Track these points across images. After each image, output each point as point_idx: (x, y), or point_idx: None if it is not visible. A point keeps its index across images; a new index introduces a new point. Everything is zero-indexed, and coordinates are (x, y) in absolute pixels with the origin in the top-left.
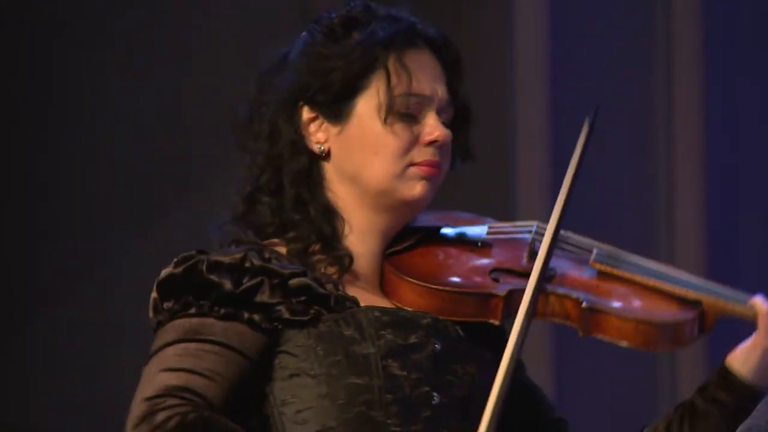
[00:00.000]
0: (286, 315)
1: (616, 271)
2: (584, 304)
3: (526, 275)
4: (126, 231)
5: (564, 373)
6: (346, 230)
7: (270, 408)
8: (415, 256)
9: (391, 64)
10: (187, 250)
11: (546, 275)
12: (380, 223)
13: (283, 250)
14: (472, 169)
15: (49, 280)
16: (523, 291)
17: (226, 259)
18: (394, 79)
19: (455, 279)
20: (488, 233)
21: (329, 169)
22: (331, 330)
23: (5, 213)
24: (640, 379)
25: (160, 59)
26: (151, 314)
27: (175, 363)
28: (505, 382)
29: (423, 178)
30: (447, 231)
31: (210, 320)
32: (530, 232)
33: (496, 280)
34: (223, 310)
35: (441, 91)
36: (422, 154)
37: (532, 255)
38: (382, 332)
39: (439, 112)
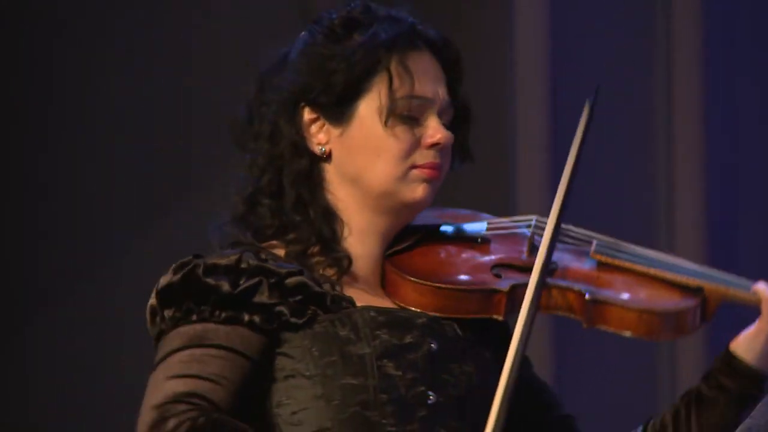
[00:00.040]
0: (286, 315)
1: (616, 262)
2: (587, 296)
3: (528, 269)
4: (126, 231)
5: (563, 368)
6: (345, 232)
7: (267, 410)
8: (415, 255)
9: (394, 66)
10: (187, 250)
11: (548, 269)
12: (380, 224)
13: (281, 251)
14: (472, 169)
15: (49, 280)
16: (525, 285)
17: (222, 261)
18: (396, 82)
19: (457, 276)
20: (487, 229)
21: (330, 170)
22: (327, 330)
23: (5, 213)
24: (640, 377)
25: (160, 59)
26: (150, 323)
27: (181, 370)
28: (511, 378)
29: (424, 180)
30: (446, 229)
31: (213, 325)
32: (529, 226)
33: (498, 275)
34: (223, 314)
35: (442, 92)
36: (424, 157)
37: (533, 249)
38: (378, 332)
39: (440, 114)
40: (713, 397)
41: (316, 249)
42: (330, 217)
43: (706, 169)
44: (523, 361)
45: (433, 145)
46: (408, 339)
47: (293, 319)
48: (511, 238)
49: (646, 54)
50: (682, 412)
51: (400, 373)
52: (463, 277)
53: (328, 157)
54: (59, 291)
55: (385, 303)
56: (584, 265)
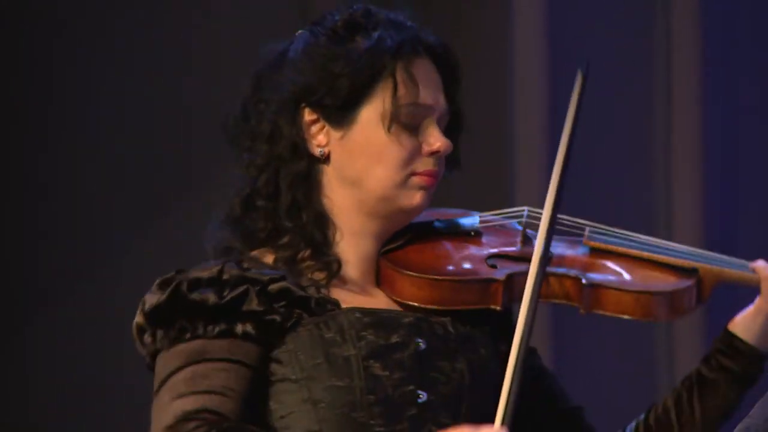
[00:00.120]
0: (277, 321)
1: (610, 247)
2: (583, 281)
3: (523, 259)
4: (126, 231)
5: (562, 360)
6: (338, 236)
7: (264, 416)
8: (410, 251)
9: (399, 73)
10: (188, 250)
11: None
12: (374, 227)
13: (270, 258)
14: (472, 169)
15: (49, 280)
16: (521, 274)
17: (204, 275)
18: (401, 89)
19: (453, 268)
20: (480, 223)
21: (327, 172)
22: (312, 334)
23: (5, 213)
24: (639, 370)
25: (160, 59)
26: (138, 341)
27: (187, 388)
28: (516, 368)
29: (422, 187)
30: (439, 225)
31: (209, 340)
32: (521, 217)
33: (493, 266)
34: (217, 328)
35: (441, 100)
36: (424, 164)
37: (526, 239)
38: (363, 333)
39: (438, 121)
40: (714, 379)
41: (306, 254)
42: (322, 221)
43: (705, 169)
44: (530, 351)
45: (432, 153)
46: (394, 339)
47: (282, 323)
48: (504, 229)
49: (646, 54)
50: (683, 395)
51: (387, 373)
52: (459, 268)
53: (326, 159)
54: (59, 291)
55: (377, 303)
56: (579, 252)
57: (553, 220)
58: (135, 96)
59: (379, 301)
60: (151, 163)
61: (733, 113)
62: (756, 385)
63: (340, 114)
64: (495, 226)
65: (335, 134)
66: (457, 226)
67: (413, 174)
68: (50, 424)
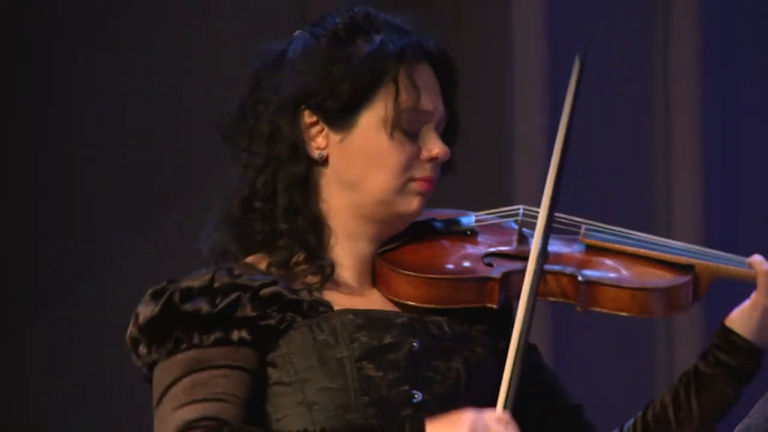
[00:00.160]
0: (272, 325)
1: (606, 244)
2: (580, 278)
3: (519, 257)
4: (126, 231)
5: (561, 358)
6: (333, 240)
7: (262, 419)
8: (407, 251)
9: (401, 79)
10: (188, 250)
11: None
12: (370, 231)
13: (263, 264)
14: (472, 169)
15: (49, 280)
16: (517, 272)
17: (195, 284)
18: (402, 95)
19: (450, 267)
20: (476, 222)
21: (324, 175)
22: (305, 336)
23: (5, 213)
24: (638, 368)
25: (160, 59)
26: (133, 353)
27: (187, 397)
28: (518, 353)
29: (420, 193)
30: (435, 225)
31: (206, 349)
32: (517, 215)
33: (489, 264)
34: (213, 337)
35: (440, 106)
36: (422, 170)
37: (522, 237)
38: (356, 335)
39: (436, 127)
40: (712, 375)
41: (301, 257)
42: (318, 225)
43: (705, 169)
44: (531, 348)
45: (431, 159)
46: (388, 339)
47: (277, 328)
48: (500, 228)
49: (646, 54)
50: (681, 391)
51: (381, 373)
52: (455, 267)
53: (324, 162)
54: (59, 291)
55: (371, 304)
56: (575, 250)
57: (550, 216)
58: (135, 96)
59: (373, 301)
60: (151, 163)
61: (733, 113)
62: (753, 382)
63: (341, 117)
64: (491, 225)
65: (334, 137)
66: (453, 225)
67: (411, 180)
68: (50, 424)
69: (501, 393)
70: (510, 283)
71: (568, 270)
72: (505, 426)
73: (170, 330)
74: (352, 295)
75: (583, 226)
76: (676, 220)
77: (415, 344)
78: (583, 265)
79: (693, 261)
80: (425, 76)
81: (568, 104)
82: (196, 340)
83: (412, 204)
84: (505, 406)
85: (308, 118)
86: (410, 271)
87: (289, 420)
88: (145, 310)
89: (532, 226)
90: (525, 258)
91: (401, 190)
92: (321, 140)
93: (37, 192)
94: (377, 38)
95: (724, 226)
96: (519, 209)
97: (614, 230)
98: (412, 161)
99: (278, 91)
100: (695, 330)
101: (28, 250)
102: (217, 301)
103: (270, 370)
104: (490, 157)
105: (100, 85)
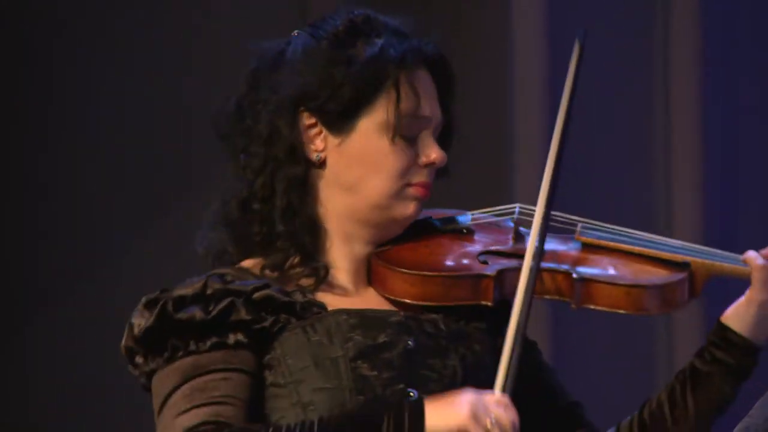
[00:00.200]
0: (266, 328)
1: (602, 242)
2: (574, 275)
3: (515, 256)
4: (126, 231)
5: (560, 356)
6: (328, 243)
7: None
8: (403, 249)
9: (402, 84)
10: (187, 250)
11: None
12: (366, 235)
13: (257, 267)
14: (472, 168)
15: (49, 280)
16: (512, 270)
17: (188, 292)
18: (403, 100)
19: (445, 264)
20: (472, 220)
21: (321, 178)
22: (298, 337)
23: (5, 213)
24: (638, 366)
25: (160, 59)
26: (130, 363)
27: (187, 403)
28: (517, 336)
29: (416, 198)
30: (431, 223)
31: (202, 354)
32: (513, 213)
33: (485, 262)
34: (209, 342)
35: (438, 111)
36: (419, 176)
37: (518, 236)
38: (351, 334)
39: (433, 132)
40: (708, 372)
41: (296, 260)
42: (314, 227)
43: (705, 169)
44: (530, 345)
45: (428, 165)
46: (382, 338)
47: (271, 330)
48: (496, 227)
49: (645, 54)
50: (677, 389)
51: (375, 373)
52: (450, 265)
53: (322, 164)
54: (59, 291)
55: (366, 303)
56: (571, 248)
57: (547, 214)
58: (135, 96)
59: (368, 301)
60: (151, 163)
61: (733, 113)
62: (752, 380)
63: (340, 120)
64: (488, 223)
65: (333, 140)
66: (450, 224)
67: (408, 185)
68: (50, 424)
69: (499, 376)
70: (505, 281)
71: (563, 267)
72: (504, 409)
73: (166, 339)
74: (346, 296)
75: (579, 225)
76: (676, 220)
77: (410, 343)
78: (578, 262)
79: (689, 258)
80: (424, 81)
81: (567, 89)
82: (192, 347)
83: (409, 209)
84: (504, 389)
85: (307, 119)
86: (405, 268)
87: (284, 421)
88: (140, 321)
89: (529, 225)
90: (520, 256)
91: (398, 194)
92: (319, 142)
93: (37, 192)
94: (378, 42)
95: (724, 226)
96: (515, 207)
97: (610, 228)
98: (410, 166)
99: (277, 92)
100: (695, 327)
101: (28, 250)
102: (211, 308)
103: (265, 372)
104: (490, 157)
105: (100, 85)
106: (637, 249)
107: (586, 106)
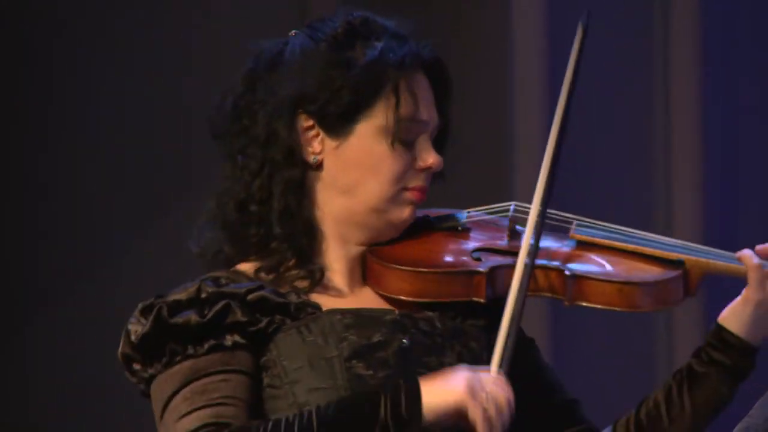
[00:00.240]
0: (262, 330)
1: (596, 240)
2: (566, 272)
3: (509, 253)
4: (126, 231)
5: (560, 357)
6: (324, 245)
7: None
8: (397, 246)
9: (401, 89)
10: (187, 250)
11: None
12: (362, 237)
13: (251, 270)
14: (472, 168)
15: (49, 280)
16: (504, 267)
17: (183, 297)
18: (402, 104)
19: (438, 261)
20: (468, 218)
21: (319, 180)
22: (293, 338)
23: (5, 213)
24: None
25: (160, 59)
26: (127, 371)
27: (187, 407)
28: (514, 314)
29: (412, 202)
30: (427, 221)
31: (201, 358)
32: (508, 211)
33: (478, 259)
34: (206, 345)
35: (435, 115)
36: (416, 180)
37: (513, 233)
38: (345, 334)
39: (430, 136)
40: (705, 373)
41: (291, 262)
42: (311, 230)
43: (705, 169)
44: (528, 343)
45: (425, 169)
46: (377, 337)
47: (266, 331)
48: (492, 224)
49: (645, 54)
50: (674, 389)
51: (370, 372)
52: (443, 261)
53: (318, 167)
54: (59, 291)
55: (361, 302)
56: (565, 246)
57: (542, 211)
58: (135, 96)
59: (363, 300)
60: (151, 163)
61: (733, 113)
62: (753, 381)
63: (338, 124)
64: (484, 221)
65: (331, 143)
66: (446, 221)
67: (405, 189)
68: (50, 424)
69: (495, 356)
70: (497, 278)
71: (555, 264)
72: (500, 386)
73: (164, 344)
74: (341, 296)
75: (574, 222)
76: (676, 220)
77: (405, 341)
78: (571, 259)
79: (683, 256)
80: (422, 85)
81: (569, 75)
82: (191, 351)
83: (404, 213)
84: (500, 367)
85: (305, 122)
86: (399, 264)
87: None
88: (137, 328)
89: (524, 222)
90: (514, 253)
91: (395, 198)
92: (317, 145)
93: (37, 192)
94: (378, 45)
95: (724, 226)
96: (510, 206)
97: (605, 226)
98: (407, 170)
99: (275, 93)
100: (695, 326)
101: (28, 250)
102: (206, 311)
103: (262, 374)
104: (489, 157)
105: (100, 85)
106: (631, 247)
107: (586, 106)
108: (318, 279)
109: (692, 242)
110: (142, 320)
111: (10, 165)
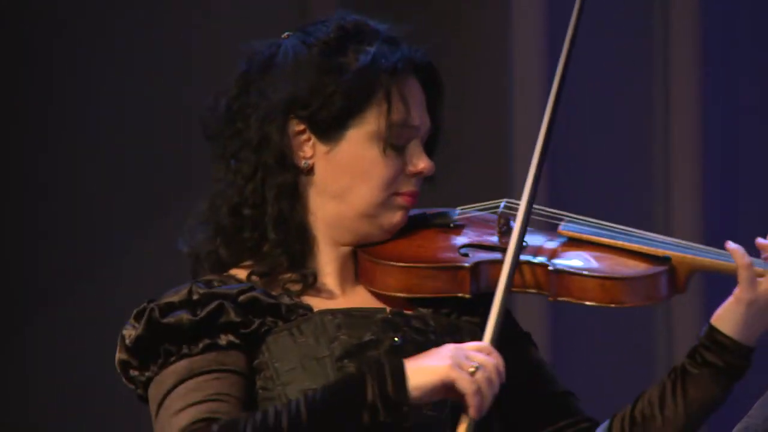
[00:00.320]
0: (255, 331)
1: (584, 236)
2: (550, 268)
3: (497, 249)
4: (126, 231)
5: (560, 356)
6: (316, 249)
7: None
8: (388, 243)
9: (393, 94)
10: None
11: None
12: (353, 241)
13: (243, 273)
14: (471, 168)
15: (49, 280)
16: (489, 262)
17: (175, 299)
18: (394, 110)
19: (424, 256)
20: (459, 215)
21: (310, 184)
22: (285, 340)
23: (5, 213)
24: (637, 360)
25: (160, 59)
26: (124, 376)
27: (181, 404)
28: (506, 287)
29: (403, 207)
30: (419, 218)
31: (195, 357)
32: (497, 207)
33: (465, 254)
34: (200, 345)
35: (426, 119)
36: (407, 185)
37: (503, 229)
38: (337, 334)
39: (422, 141)
40: (698, 374)
41: (284, 267)
42: (303, 235)
43: (705, 169)
44: (524, 337)
45: (416, 174)
46: (368, 336)
47: (259, 332)
48: (482, 221)
49: (645, 54)
50: (668, 389)
51: None
52: (429, 257)
53: (310, 171)
54: (59, 291)
55: (352, 302)
56: (553, 242)
57: (529, 207)
58: (135, 96)
59: (355, 299)
60: (151, 163)
61: (733, 113)
62: (752, 381)
63: (330, 129)
64: (475, 218)
65: (322, 148)
66: (437, 218)
67: (396, 194)
68: (50, 424)
69: (486, 332)
70: (481, 273)
71: (540, 260)
72: (487, 354)
73: (158, 345)
74: (332, 297)
75: (564, 219)
76: (675, 220)
77: (396, 339)
78: (556, 255)
79: (670, 253)
80: (414, 89)
81: (567, 41)
82: (185, 350)
83: (395, 217)
84: (492, 341)
85: (296, 126)
86: (385, 260)
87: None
88: (130, 332)
89: (514, 219)
90: (502, 249)
91: (385, 203)
92: (308, 150)
93: (37, 192)
94: (370, 51)
95: (724, 226)
96: (502, 202)
97: (594, 222)
98: (398, 175)
99: (267, 97)
100: (695, 324)
101: (28, 250)
102: (198, 311)
103: (255, 377)
104: (489, 157)
105: (100, 85)
106: (618, 243)
107: (587, 107)
108: (311, 283)
109: (692, 242)
110: (136, 324)
111: (10, 165)
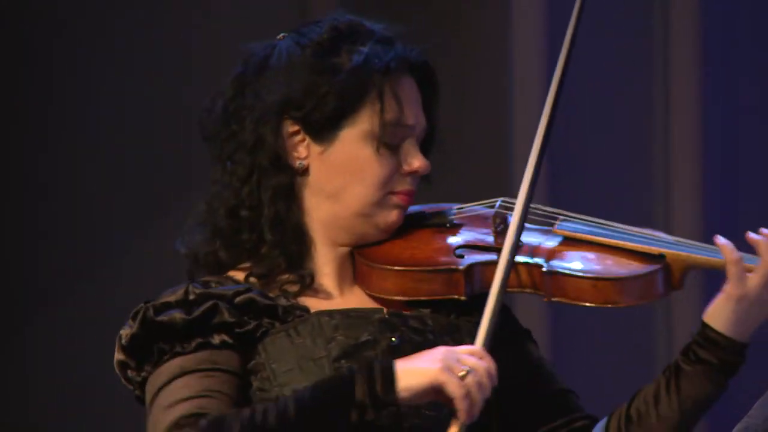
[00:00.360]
0: (249, 332)
1: (579, 235)
2: (544, 269)
3: (492, 249)
4: (126, 231)
5: (560, 355)
6: (313, 249)
7: None
8: (384, 245)
9: (386, 94)
10: None
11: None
12: (349, 240)
13: (241, 275)
14: (471, 168)
15: (49, 280)
16: (483, 264)
17: (171, 298)
18: (387, 109)
19: (418, 259)
20: (456, 215)
21: (305, 185)
22: (282, 341)
23: (5, 213)
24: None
25: (160, 59)
26: (122, 377)
27: (172, 400)
28: (500, 290)
29: (399, 206)
30: (417, 218)
31: (188, 356)
32: (493, 206)
33: (460, 256)
34: (193, 343)
35: (422, 118)
36: (402, 184)
37: (498, 228)
38: (334, 335)
39: (417, 140)
40: (692, 371)
41: (282, 268)
42: (300, 236)
43: (705, 169)
44: (524, 334)
45: (411, 173)
46: (365, 337)
47: (255, 334)
48: (479, 221)
49: (645, 54)
50: (662, 386)
51: None
52: (423, 259)
53: (305, 172)
54: (59, 291)
55: (349, 303)
56: (549, 242)
57: (526, 206)
58: (135, 96)
59: (352, 300)
60: (151, 163)
61: (733, 113)
62: (752, 381)
63: (324, 129)
64: (472, 217)
65: (316, 148)
66: (435, 218)
67: (391, 193)
68: (50, 424)
69: (481, 328)
70: (475, 275)
71: (535, 261)
72: (479, 357)
73: (152, 344)
74: (330, 298)
75: (560, 218)
76: (675, 220)
77: (393, 339)
78: (551, 255)
79: (664, 251)
80: (408, 88)
81: (567, 41)
82: (178, 349)
83: (391, 216)
84: (483, 344)
85: (290, 127)
86: (381, 264)
87: None
88: (126, 331)
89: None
90: (497, 250)
91: (381, 202)
92: (302, 150)
93: (37, 192)
94: (363, 50)
95: (724, 226)
96: (498, 201)
97: (589, 221)
98: (393, 175)
99: (262, 98)
100: (695, 323)
101: (28, 250)
102: (194, 310)
103: (251, 378)
104: (489, 157)
105: (100, 85)
106: (613, 242)
107: (587, 106)
108: (308, 284)
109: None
110: (131, 323)
111: (10, 165)
